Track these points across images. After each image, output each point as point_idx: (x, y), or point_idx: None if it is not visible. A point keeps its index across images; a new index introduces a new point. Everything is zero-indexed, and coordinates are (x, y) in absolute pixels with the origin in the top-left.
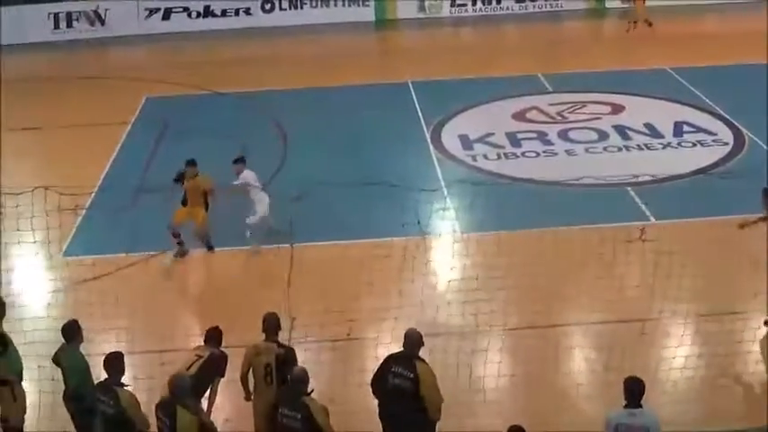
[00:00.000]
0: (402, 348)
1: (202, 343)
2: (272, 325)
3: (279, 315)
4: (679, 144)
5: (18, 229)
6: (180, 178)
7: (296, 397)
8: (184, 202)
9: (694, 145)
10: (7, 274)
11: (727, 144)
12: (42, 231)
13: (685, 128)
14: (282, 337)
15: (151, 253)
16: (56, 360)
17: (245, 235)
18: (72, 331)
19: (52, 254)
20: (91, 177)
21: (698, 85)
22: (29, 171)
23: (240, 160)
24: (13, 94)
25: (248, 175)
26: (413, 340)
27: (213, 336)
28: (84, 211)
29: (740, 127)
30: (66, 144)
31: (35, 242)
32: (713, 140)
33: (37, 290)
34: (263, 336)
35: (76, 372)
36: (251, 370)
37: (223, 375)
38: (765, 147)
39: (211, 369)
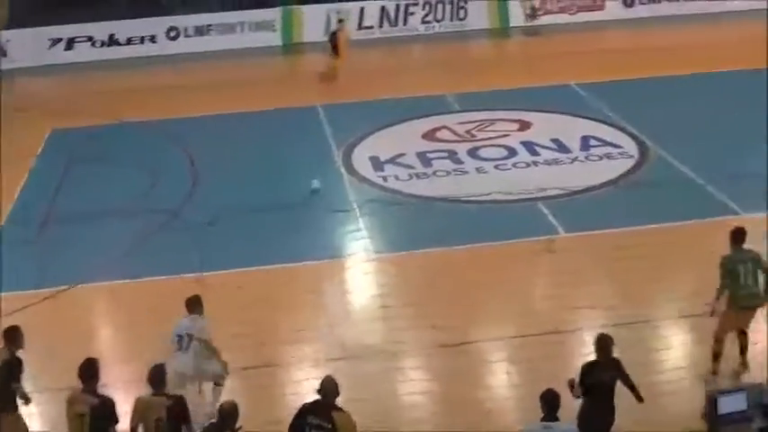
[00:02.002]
0: (318, 397)
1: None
2: (157, 378)
3: None
4: (586, 158)
5: None
6: None
7: None
8: None
9: (601, 158)
10: None
11: (632, 156)
12: None
13: (592, 142)
14: None
15: (61, 288)
16: None
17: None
18: None
19: None
20: None
21: (602, 99)
22: None
23: None
24: None
25: None
26: (329, 389)
27: (91, 373)
28: None
29: (644, 139)
30: None
31: None
32: (619, 153)
33: None
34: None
35: None
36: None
37: (117, 421)
38: (669, 158)
39: (104, 418)
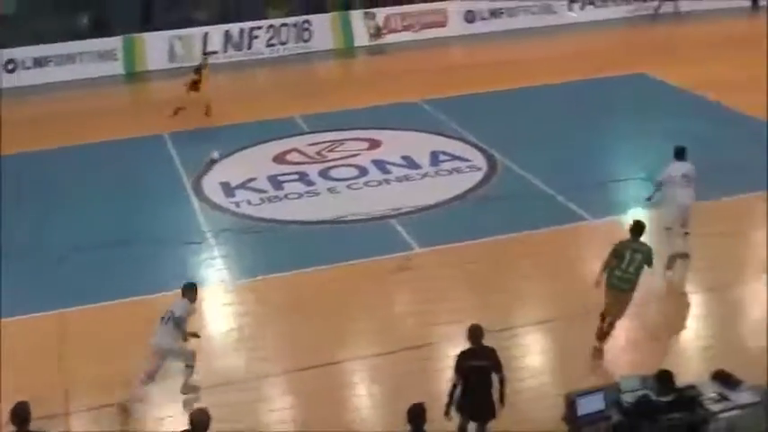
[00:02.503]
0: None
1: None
2: (20, 417)
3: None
4: (436, 173)
5: None
6: None
7: None
8: None
9: (451, 172)
10: None
11: (481, 169)
12: None
13: (441, 157)
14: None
15: None
16: None
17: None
18: None
19: None
20: None
21: (449, 114)
22: None
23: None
24: None
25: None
26: (198, 423)
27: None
28: None
29: (492, 152)
30: None
31: None
32: (468, 167)
33: None
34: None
35: None
36: None
37: None
38: (517, 169)
39: None
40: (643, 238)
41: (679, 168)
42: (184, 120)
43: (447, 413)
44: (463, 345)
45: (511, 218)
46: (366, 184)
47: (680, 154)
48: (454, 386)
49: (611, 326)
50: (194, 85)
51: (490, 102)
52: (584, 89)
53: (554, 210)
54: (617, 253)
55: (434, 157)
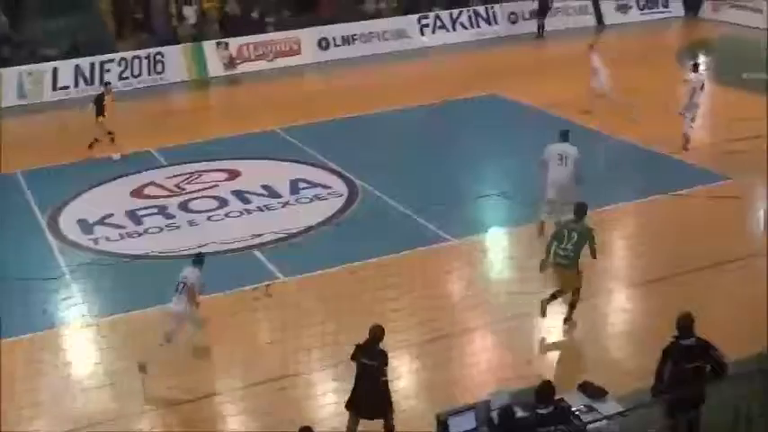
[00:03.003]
0: None
1: None
2: None
3: None
4: (297, 201)
5: None
6: None
7: None
8: None
9: (312, 200)
10: None
11: (342, 195)
12: None
13: (301, 184)
14: None
15: None
16: None
17: None
18: None
19: None
20: None
21: (307, 142)
22: None
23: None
24: None
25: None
26: None
27: None
28: None
29: (352, 177)
30: None
31: None
32: (329, 193)
33: None
34: None
35: None
36: None
37: None
38: (377, 192)
39: None
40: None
41: (556, 148)
42: (37, 156)
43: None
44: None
45: (373, 242)
46: (227, 214)
47: (564, 135)
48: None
49: (572, 306)
50: (100, 113)
51: (348, 127)
52: (439, 111)
53: (415, 231)
54: (556, 234)
55: (294, 186)
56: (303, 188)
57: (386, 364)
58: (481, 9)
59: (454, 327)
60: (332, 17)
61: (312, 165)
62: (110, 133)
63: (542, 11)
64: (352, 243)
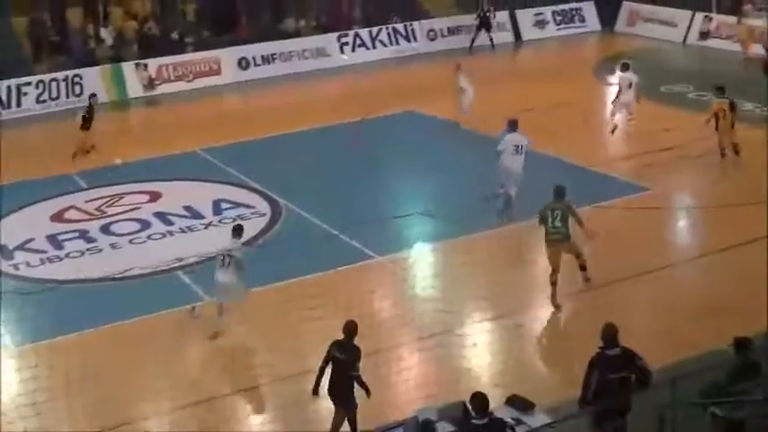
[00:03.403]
0: None
1: None
2: None
3: None
4: (220, 221)
5: None
6: None
7: None
8: None
9: (235, 220)
10: None
11: (265, 215)
12: None
13: (224, 205)
14: None
15: None
16: None
17: None
18: None
19: None
20: None
21: (228, 162)
22: None
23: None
24: None
25: None
26: None
27: None
28: None
29: (275, 196)
30: None
31: None
32: (252, 213)
33: None
34: None
35: None
36: None
37: None
38: (301, 212)
39: None
40: None
41: (510, 139)
42: None
43: (315, 392)
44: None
45: (299, 261)
46: (149, 237)
47: (512, 124)
48: (321, 368)
49: (584, 267)
50: (87, 124)
51: (269, 147)
52: (360, 128)
53: (340, 250)
54: (542, 217)
55: (217, 206)
56: (226, 208)
57: (357, 359)
58: (400, 27)
59: (381, 344)
60: (251, 37)
61: (234, 185)
62: (92, 146)
63: (486, 26)
64: (277, 263)
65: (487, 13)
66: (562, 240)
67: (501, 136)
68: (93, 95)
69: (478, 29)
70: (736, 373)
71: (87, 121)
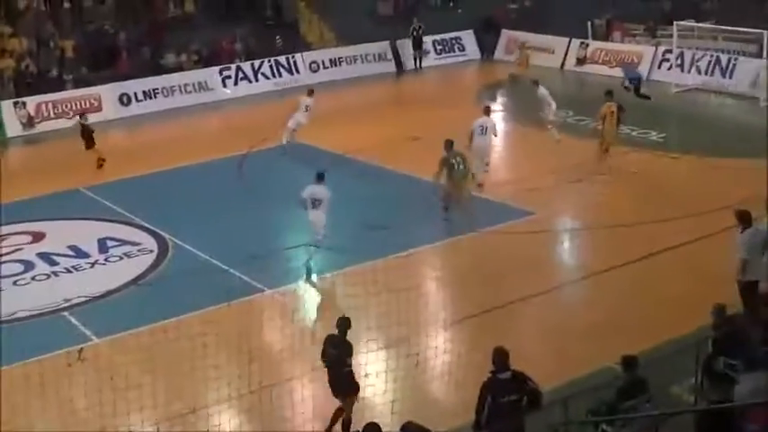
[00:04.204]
0: None
1: None
2: None
3: None
4: (106, 260)
5: None
6: None
7: None
8: None
9: (121, 258)
10: None
11: (152, 251)
12: None
13: (109, 243)
14: None
15: None
16: None
17: None
18: None
19: None
20: None
21: (113, 199)
22: None
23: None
24: None
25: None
26: None
27: None
28: None
29: (161, 233)
30: None
31: None
32: (139, 250)
33: None
34: None
35: None
36: None
37: None
38: (188, 247)
39: None
40: None
41: (478, 121)
42: None
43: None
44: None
45: (188, 297)
46: (33, 278)
47: (486, 110)
48: (323, 362)
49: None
50: (90, 142)
51: (154, 183)
52: (246, 162)
53: (229, 284)
54: (449, 164)
55: (103, 244)
56: (112, 246)
57: (349, 355)
58: (282, 59)
59: (273, 378)
60: (132, 72)
61: (120, 222)
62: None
63: (419, 45)
64: (166, 299)
65: (419, 32)
66: (465, 177)
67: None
68: (81, 114)
69: (414, 47)
70: (625, 391)
71: (89, 140)
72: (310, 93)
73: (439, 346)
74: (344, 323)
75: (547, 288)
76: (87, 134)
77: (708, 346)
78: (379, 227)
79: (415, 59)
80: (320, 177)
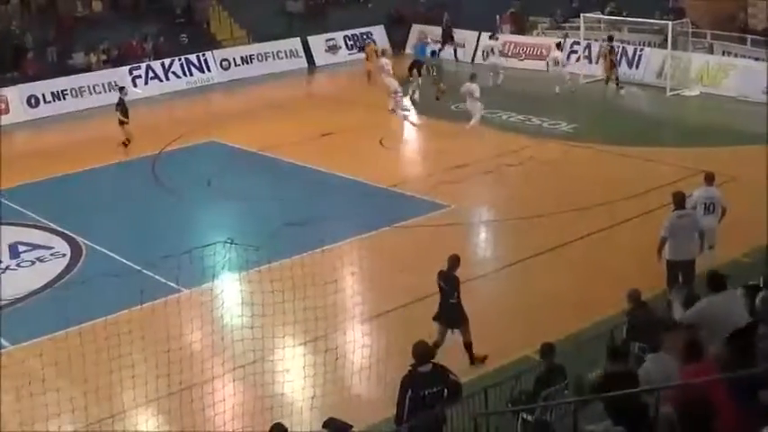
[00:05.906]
0: None
1: None
2: None
3: None
4: (18, 265)
5: None
6: None
7: None
8: None
9: (34, 263)
10: None
11: (65, 255)
12: None
13: (21, 248)
14: None
15: None
16: None
17: None
18: None
19: None
20: None
21: (22, 203)
22: None
23: None
24: None
25: None
26: None
27: None
28: None
29: (73, 236)
30: None
31: None
32: (51, 254)
33: None
34: None
35: None
36: None
37: None
38: (102, 249)
39: None
40: None
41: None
42: None
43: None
44: None
45: (104, 299)
46: None
47: (472, 77)
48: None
49: None
50: (125, 116)
51: (65, 185)
52: (159, 162)
53: (146, 285)
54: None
55: (14, 249)
56: (23, 251)
57: (456, 289)
58: (193, 57)
59: (194, 378)
60: (39, 73)
61: (30, 226)
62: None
63: (450, 37)
64: (82, 303)
65: (449, 26)
66: None
67: None
68: (122, 88)
69: (443, 41)
70: (543, 379)
71: (125, 115)
72: (383, 52)
73: (358, 341)
74: (454, 259)
75: (465, 279)
76: (124, 110)
77: (623, 332)
78: (295, 223)
79: (455, 51)
80: (473, 77)
